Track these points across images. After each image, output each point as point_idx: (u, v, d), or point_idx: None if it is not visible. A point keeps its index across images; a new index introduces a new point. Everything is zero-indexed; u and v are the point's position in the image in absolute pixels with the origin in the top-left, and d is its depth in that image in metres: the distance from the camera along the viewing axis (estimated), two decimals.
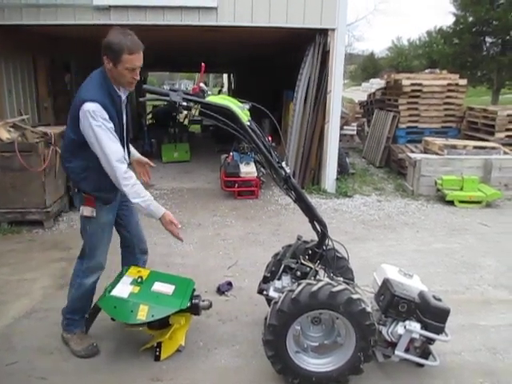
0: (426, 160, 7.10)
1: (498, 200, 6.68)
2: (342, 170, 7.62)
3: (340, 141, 7.34)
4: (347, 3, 6.52)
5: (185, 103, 2.33)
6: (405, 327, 2.55)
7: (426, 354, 2.72)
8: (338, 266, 2.95)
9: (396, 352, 2.60)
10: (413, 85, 9.02)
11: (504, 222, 5.82)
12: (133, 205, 2.63)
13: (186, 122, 11.12)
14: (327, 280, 2.47)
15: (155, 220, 2.67)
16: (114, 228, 3.00)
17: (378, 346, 2.64)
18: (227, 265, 4.35)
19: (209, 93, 2.62)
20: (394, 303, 2.53)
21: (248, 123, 2.46)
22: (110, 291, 2.77)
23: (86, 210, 2.74)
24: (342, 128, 8.98)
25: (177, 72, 36.09)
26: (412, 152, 8.14)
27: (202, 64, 2.61)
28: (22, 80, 7.38)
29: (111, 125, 2.53)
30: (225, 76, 27.24)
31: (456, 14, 20.06)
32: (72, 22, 6.26)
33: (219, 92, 16.58)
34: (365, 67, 41.45)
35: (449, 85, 9.13)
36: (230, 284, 3.83)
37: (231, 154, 6.98)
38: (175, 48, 10.27)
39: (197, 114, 2.50)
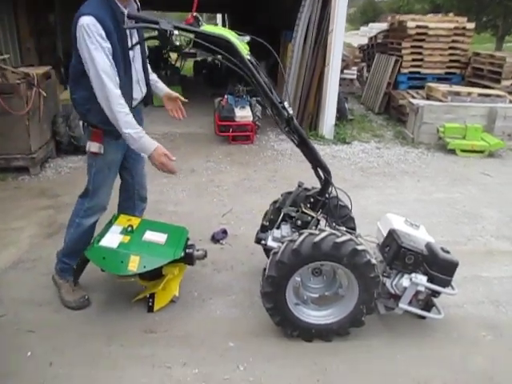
0: (428, 106, 6.82)
1: (501, 150, 6.49)
2: (341, 115, 7.34)
3: (339, 85, 7.00)
4: None
5: (176, 32, 2.04)
6: (410, 280, 2.43)
7: (429, 306, 2.62)
8: (341, 214, 2.79)
9: (400, 305, 2.50)
10: (418, 27, 8.54)
11: (506, 173, 5.67)
12: (123, 135, 2.38)
13: (178, 64, 10.62)
14: (330, 230, 2.31)
15: (147, 160, 2.50)
16: None
17: (380, 298, 2.53)
18: (222, 212, 4.19)
19: (202, 23, 2.33)
20: (400, 255, 2.39)
21: (248, 57, 2.19)
22: (98, 241, 2.59)
23: (93, 146, 2.54)
24: (341, 72, 8.58)
25: (168, 11, 34.44)
26: (413, 98, 7.84)
27: None
28: None
29: (108, 44, 2.25)
30: (218, 17, 26.03)
31: None
32: None
33: None
34: (364, 10, 39.91)
35: (455, 28, 8.66)
36: (225, 232, 3.68)
37: (226, 97, 6.65)
38: None
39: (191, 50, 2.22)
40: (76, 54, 2.33)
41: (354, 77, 10.69)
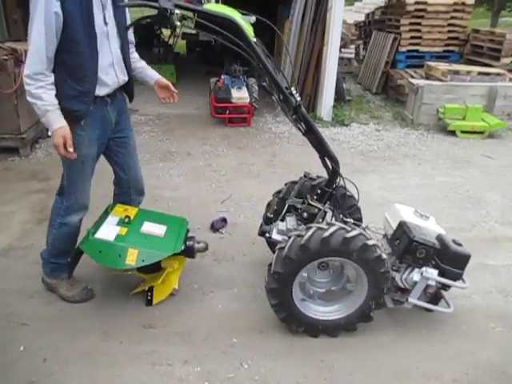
0: (428, 86, 6.67)
1: (500, 130, 6.39)
2: (339, 96, 7.17)
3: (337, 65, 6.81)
4: None
5: (178, 11, 1.87)
6: (421, 274, 2.34)
7: (437, 298, 2.54)
8: (347, 205, 2.68)
9: (409, 299, 2.41)
10: (417, 3, 8.32)
11: (508, 154, 5.58)
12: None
13: (170, 41, 10.30)
14: (340, 224, 2.19)
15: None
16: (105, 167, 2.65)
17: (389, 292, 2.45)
18: (220, 199, 4.06)
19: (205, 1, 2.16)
20: (411, 249, 2.28)
21: (254, 39, 2.03)
22: (93, 233, 2.46)
23: None
24: (339, 50, 8.36)
25: None
26: (412, 77, 7.67)
27: None
28: None
29: (58, 10, 1.99)
30: None
31: None
32: None
33: None
34: None
35: (455, 4, 8.45)
36: (224, 220, 3.56)
37: (222, 77, 6.44)
38: None
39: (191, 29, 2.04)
40: None
41: (352, 56, 10.47)
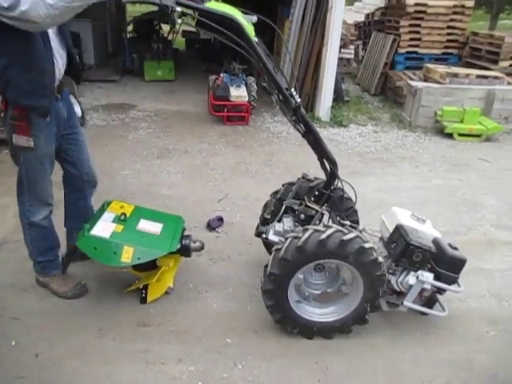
0: (427, 89, 6.67)
1: (498, 133, 6.41)
2: (337, 97, 7.17)
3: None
4: None
5: (179, 9, 1.85)
6: (417, 278, 2.34)
7: (432, 301, 2.54)
8: (345, 207, 2.67)
9: (405, 303, 2.41)
10: (417, 4, 8.31)
11: (504, 158, 5.60)
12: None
13: (170, 37, 10.26)
14: (337, 226, 2.19)
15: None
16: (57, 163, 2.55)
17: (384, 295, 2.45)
18: (217, 197, 4.05)
19: None
20: (408, 252, 2.28)
21: (255, 39, 2.02)
22: (89, 230, 2.45)
23: (20, 140, 2.23)
24: (339, 51, 8.36)
25: None
26: (410, 79, 7.68)
27: None
28: None
29: None
30: None
31: None
32: None
33: None
34: None
35: (455, 6, 8.45)
36: (220, 219, 3.55)
37: (221, 75, 6.42)
38: None
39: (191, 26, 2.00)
40: None
41: (352, 56, 10.46)
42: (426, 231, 2.46)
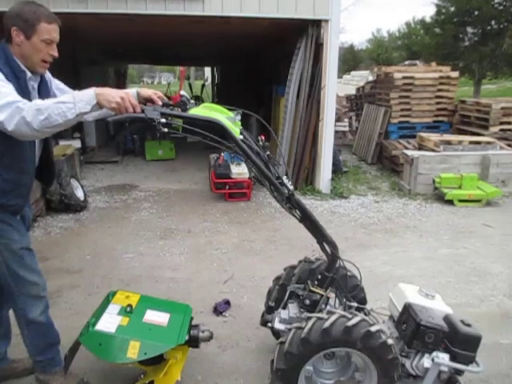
0: (422, 157, 6.84)
1: (497, 197, 6.47)
2: (336, 168, 7.34)
3: None
4: None
5: (164, 120, 1.95)
6: (432, 360, 2.26)
7: (452, 383, 2.43)
8: (350, 285, 2.63)
9: None
10: (404, 78, 8.76)
11: (507, 222, 5.60)
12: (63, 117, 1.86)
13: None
14: (340, 312, 2.14)
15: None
16: None
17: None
18: (222, 279, 4.01)
19: (191, 102, 2.26)
20: (419, 334, 2.22)
21: (241, 136, 2.10)
22: (93, 324, 2.39)
23: None
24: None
25: (157, 65, 35.20)
26: (405, 148, 7.89)
27: (181, 68, 2.24)
28: None
29: (11, 86, 1.94)
30: (207, 69, 26.61)
31: (438, 4, 19.85)
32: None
33: (203, 87, 16.02)
34: (345, 59, 41.34)
35: (440, 77, 8.89)
36: (227, 303, 3.49)
37: (222, 154, 6.61)
38: (158, 40, 9.78)
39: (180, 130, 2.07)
40: None
41: (346, 129, 10.82)
42: (435, 308, 2.41)
